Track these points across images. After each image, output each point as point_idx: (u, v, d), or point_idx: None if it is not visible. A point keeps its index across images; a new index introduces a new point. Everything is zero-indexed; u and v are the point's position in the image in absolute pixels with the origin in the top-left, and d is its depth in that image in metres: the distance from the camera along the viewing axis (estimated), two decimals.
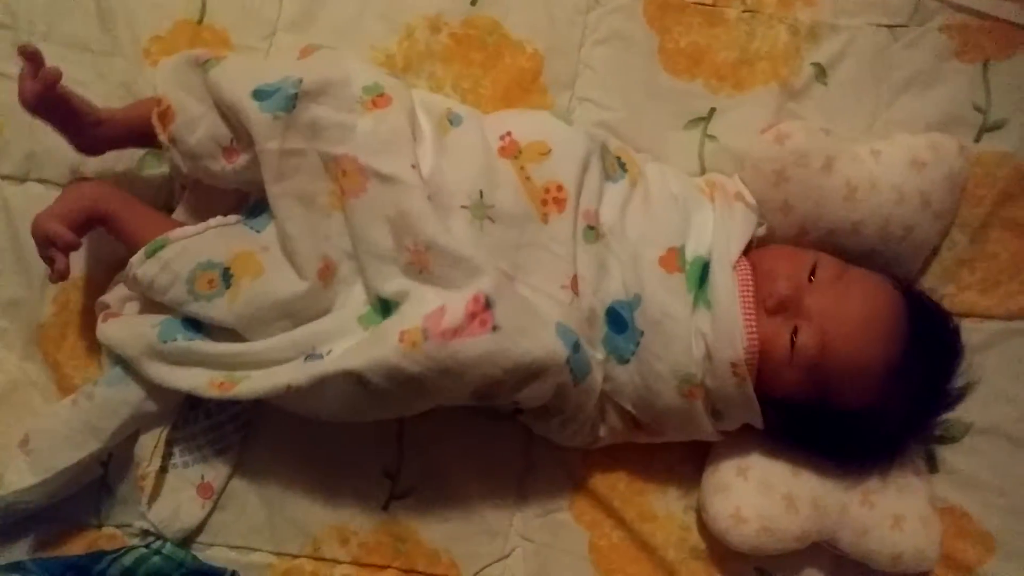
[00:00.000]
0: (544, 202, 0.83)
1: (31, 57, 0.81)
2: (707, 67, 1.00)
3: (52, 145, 0.94)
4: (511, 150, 0.85)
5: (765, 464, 0.88)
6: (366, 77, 0.83)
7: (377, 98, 0.82)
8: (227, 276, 0.82)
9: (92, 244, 0.92)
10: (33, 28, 0.97)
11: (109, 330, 0.85)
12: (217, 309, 0.81)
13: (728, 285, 0.83)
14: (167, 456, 0.87)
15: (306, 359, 0.80)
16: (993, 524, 0.91)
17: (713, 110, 0.99)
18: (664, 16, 1.01)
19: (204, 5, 0.98)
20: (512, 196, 0.82)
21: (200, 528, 0.89)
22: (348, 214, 0.80)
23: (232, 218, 0.88)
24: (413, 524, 0.90)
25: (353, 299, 0.82)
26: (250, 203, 0.89)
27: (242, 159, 0.84)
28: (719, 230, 0.86)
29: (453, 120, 0.86)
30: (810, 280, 0.83)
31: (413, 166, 0.80)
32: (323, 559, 0.90)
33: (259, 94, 0.80)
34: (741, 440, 0.88)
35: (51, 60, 0.92)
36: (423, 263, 0.78)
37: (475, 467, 0.91)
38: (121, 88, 0.96)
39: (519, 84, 0.99)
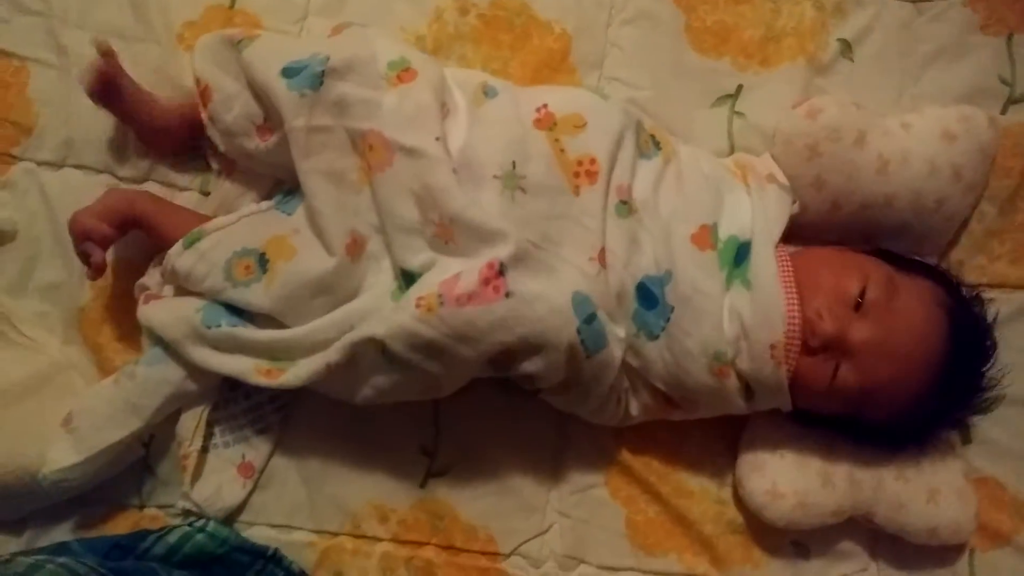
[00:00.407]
0: (576, 174, 0.83)
1: (107, 52, 0.85)
2: (734, 45, 1.01)
3: (89, 131, 0.95)
4: (546, 122, 0.85)
5: (800, 440, 0.88)
6: (392, 52, 0.84)
7: (403, 72, 0.83)
8: (263, 261, 0.83)
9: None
10: (67, 16, 0.98)
11: (151, 312, 0.86)
12: (255, 294, 0.83)
13: (771, 266, 0.83)
14: (208, 436, 0.88)
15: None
16: None
17: (740, 87, 1.00)
18: None
19: None
20: (545, 167, 0.83)
21: (241, 507, 0.90)
22: (375, 188, 0.81)
23: (265, 204, 0.89)
24: (451, 501, 0.91)
25: (384, 274, 0.83)
26: (283, 191, 0.90)
27: (274, 138, 0.85)
28: (758, 212, 0.86)
29: (488, 92, 0.87)
30: (858, 305, 0.82)
31: (437, 139, 0.80)
32: (363, 536, 0.91)
33: (288, 71, 0.82)
34: (775, 417, 0.89)
35: (85, 49, 0.95)
36: (448, 235, 0.80)
37: (511, 444, 0.92)
38: (155, 74, 0.96)
39: (548, 64, 0.99)
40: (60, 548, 0.83)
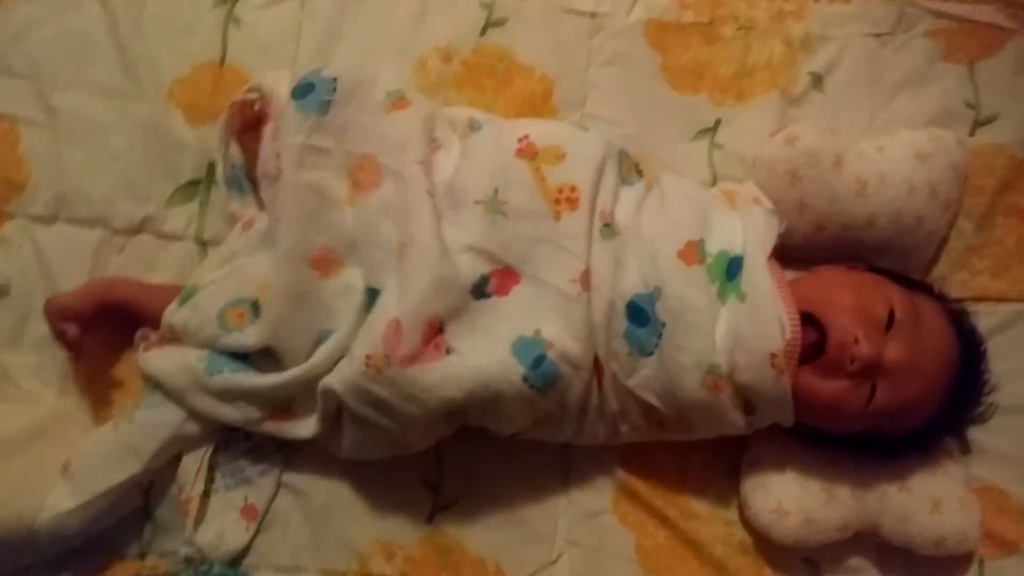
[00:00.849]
0: (557, 201, 0.85)
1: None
2: (709, 81, 1.05)
3: (80, 185, 0.96)
4: (528, 152, 0.88)
5: (802, 457, 0.89)
6: (391, 82, 0.90)
7: (398, 101, 0.88)
8: (256, 308, 0.85)
9: None
10: (56, 77, 0.99)
11: (153, 361, 0.86)
12: (249, 337, 0.84)
13: (764, 277, 0.85)
14: (210, 480, 0.87)
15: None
16: None
17: (719, 121, 1.03)
18: (664, 37, 1.06)
19: (225, 46, 1.02)
20: (526, 194, 0.85)
21: (245, 551, 0.88)
22: (360, 208, 0.85)
23: (255, 256, 0.89)
24: (458, 534, 0.90)
25: (354, 295, 0.85)
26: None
27: None
28: (748, 228, 0.88)
29: (474, 126, 0.91)
30: (889, 325, 0.83)
31: (421, 162, 0.84)
32: (371, 575, 0.89)
33: (297, 91, 0.86)
34: (776, 434, 0.89)
35: (75, 107, 0.99)
36: (403, 252, 0.82)
37: (515, 474, 0.92)
38: (146, 130, 0.98)
39: (531, 105, 1.02)
40: None
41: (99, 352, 0.92)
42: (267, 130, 0.90)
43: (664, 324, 0.83)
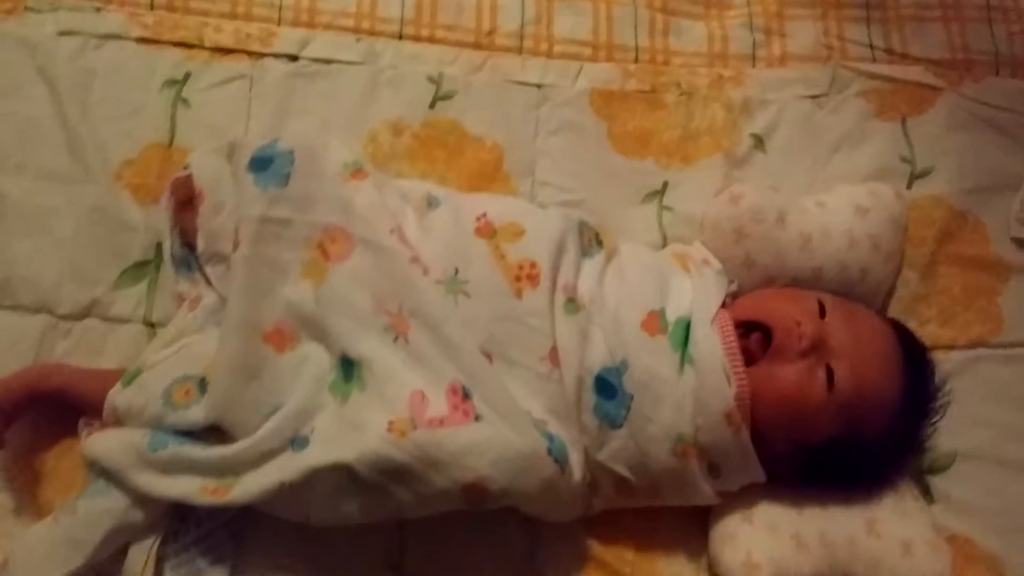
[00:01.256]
0: (518, 278, 0.85)
1: None
2: (655, 146, 1.07)
3: (25, 271, 0.94)
4: (486, 230, 0.88)
5: (768, 506, 0.88)
6: (347, 154, 0.90)
7: (356, 172, 0.88)
8: (203, 384, 0.82)
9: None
10: (5, 162, 0.98)
11: (95, 444, 0.83)
12: (195, 414, 0.81)
13: (709, 338, 0.86)
14: (158, 572, 0.83)
15: (293, 445, 0.79)
16: (997, 546, 0.92)
17: (666, 183, 1.06)
18: (609, 105, 1.09)
19: (173, 127, 1.02)
20: (486, 272, 0.85)
21: None
22: (331, 278, 0.83)
23: (204, 336, 0.88)
24: None
25: (313, 366, 0.82)
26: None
27: None
28: (698, 292, 0.90)
29: (431, 203, 0.91)
30: (822, 314, 0.86)
31: (392, 231, 0.84)
32: None
33: (255, 164, 0.86)
34: (743, 488, 0.88)
35: (23, 192, 0.97)
36: (402, 329, 0.81)
37: (481, 551, 0.89)
38: (94, 212, 0.97)
39: (482, 174, 1.04)
40: None
41: (31, 444, 0.88)
42: (203, 209, 0.89)
43: (632, 396, 0.84)
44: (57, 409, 0.88)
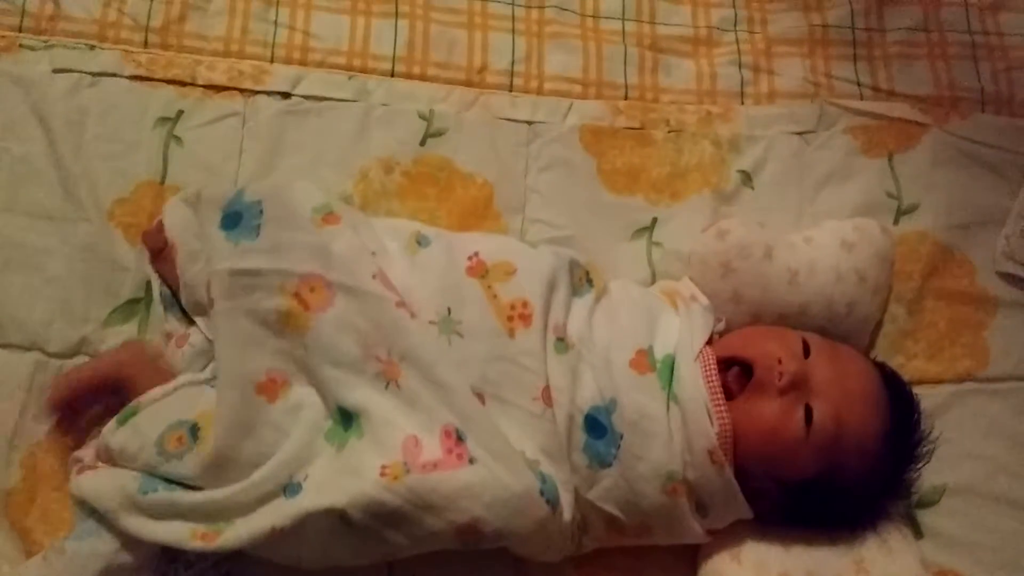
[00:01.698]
0: (511, 318, 0.85)
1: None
2: (644, 182, 1.08)
3: (15, 310, 0.94)
4: (478, 270, 0.88)
5: (756, 545, 0.88)
6: (315, 197, 0.88)
7: (327, 216, 0.87)
8: (194, 431, 0.82)
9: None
10: None
11: (84, 483, 0.82)
12: (187, 465, 0.80)
13: (692, 375, 0.86)
14: None
15: (285, 491, 0.79)
16: None
17: (655, 219, 1.07)
18: (598, 142, 1.10)
19: (165, 165, 1.02)
20: (479, 312, 0.85)
21: None
22: (314, 328, 0.82)
23: (201, 376, 0.88)
24: None
25: (308, 411, 0.82)
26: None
27: None
28: (684, 329, 0.90)
29: (422, 241, 0.91)
30: (806, 353, 0.87)
31: (374, 276, 0.83)
32: None
33: (226, 222, 0.86)
34: (731, 526, 0.89)
35: (13, 230, 0.98)
36: (393, 375, 0.80)
37: None
38: (86, 251, 0.97)
39: (473, 211, 1.04)
40: None
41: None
42: (179, 260, 0.90)
43: (622, 435, 0.84)
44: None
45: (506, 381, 0.83)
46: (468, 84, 1.12)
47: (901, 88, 1.16)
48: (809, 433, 0.83)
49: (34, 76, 1.04)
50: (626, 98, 1.14)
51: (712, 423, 0.84)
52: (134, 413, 0.84)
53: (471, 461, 0.77)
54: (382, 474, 0.75)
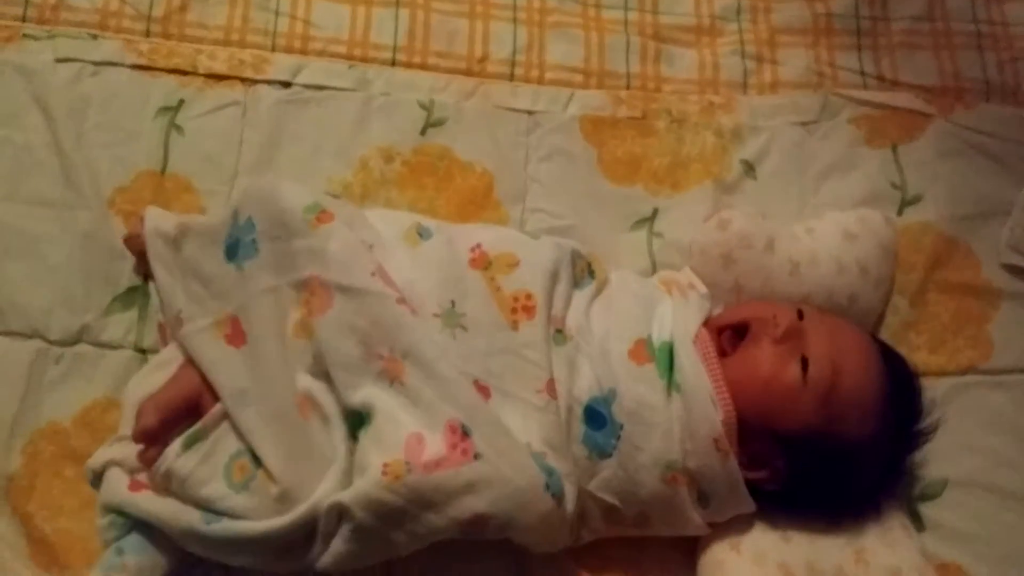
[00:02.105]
0: (514, 310, 0.85)
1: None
2: (645, 172, 1.08)
3: (16, 297, 0.95)
4: (481, 262, 0.88)
5: (756, 535, 0.88)
6: (304, 197, 0.85)
7: (320, 214, 0.84)
8: (256, 459, 0.79)
9: (58, 391, 0.93)
10: None
11: (143, 503, 0.80)
12: (254, 499, 0.78)
13: (693, 363, 0.86)
14: None
15: None
16: (988, 574, 0.91)
17: (656, 210, 1.06)
18: (599, 132, 1.09)
19: (166, 155, 1.03)
20: (482, 305, 0.85)
21: None
22: (316, 331, 0.80)
23: None
24: None
25: (335, 425, 0.80)
26: None
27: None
28: (678, 315, 0.90)
29: (423, 233, 0.90)
30: (800, 319, 0.87)
31: (373, 273, 0.82)
32: None
33: (229, 253, 0.85)
34: (730, 518, 0.88)
35: (15, 218, 0.98)
36: (396, 373, 0.79)
37: None
38: (85, 238, 0.97)
39: (472, 201, 1.04)
40: None
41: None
42: (156, 272, 0.90)
43: (622, 425, 0.84)
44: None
45: (509, 374, 0.83)
46: (469, 73, 1.12)
47: (905, 78, 1.15)
48: (806, 380, 0.83)
49: (36, 65, 1.05)
50: (628, 88, 1.14)
51: (716, 409, 0.84)
52: (200, 437, 0.80)
53: (476, 456, 0.76)
54: (383, 473, 0.74)
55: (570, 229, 1.03)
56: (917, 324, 1.01)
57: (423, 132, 1.07)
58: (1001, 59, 1.16)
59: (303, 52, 1.11)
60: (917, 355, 1.00)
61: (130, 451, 0.83)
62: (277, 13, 1.12)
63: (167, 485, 0.80)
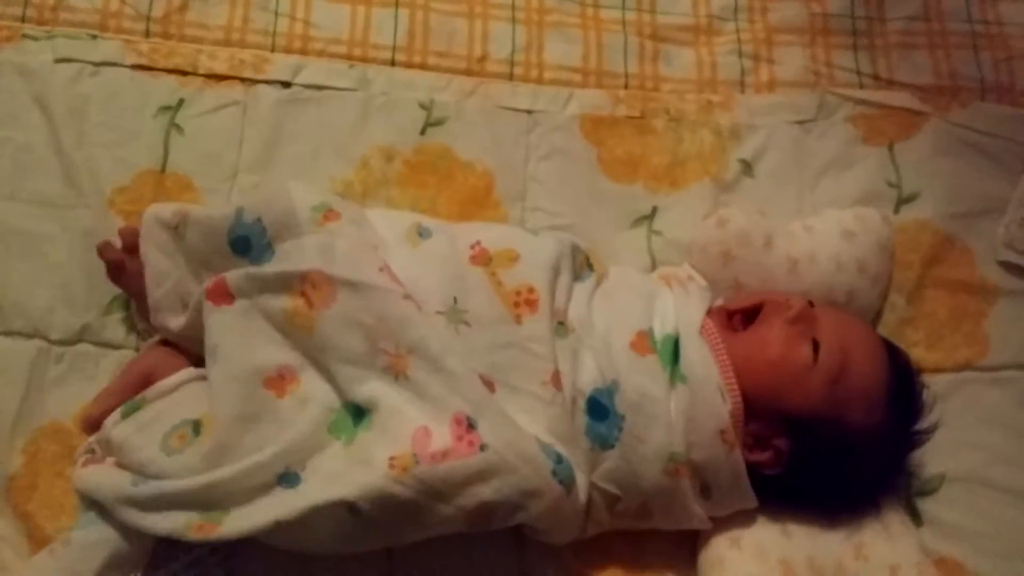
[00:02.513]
0: (516, 304, 0.86)
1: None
2: (644, 171, 1.09)
3: (17, 296, 0.95)
4: (481, 258, 0.88)
5: (756, 531, 0.88)
6: (312, 197, 0.86)
7: (328, 213, 0.85)
8: (196, 428, 0.81)
9: (59, 390, 0.93)
10: None
11: (85, 476, 0.83)
12: (187, 457, 0.80)
13: (700, 354, 0.86)
14: None
15: (280, 480, 0.79)
16: (986, 569, 0.91)
17: (655, 208, 1.07)
18: (598, 130, 1.10)
19: (166, 154, 1.03)
20: (485, 300, 0.86)
21: None
22: (319, 325, 0.81)
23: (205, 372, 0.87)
24: None
25: (313, 409, 0.81)
26: None
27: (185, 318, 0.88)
28: (680, 306, 0.91)
29: (423, 233, 0.91)
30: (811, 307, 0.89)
31: (380, 269, 0.83)
32: None
33: (236, 247, 0.85)
34: (731, 513, 0.89)
35: (16, 218, 0.99)
36: (401, 368, 0.80)
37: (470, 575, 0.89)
38: (86, 237, 0.97)
39: (473, 199, 1.05)
40: None
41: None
42: (146, 279, 0.89)
43: (624, 417, 0.84)
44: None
45: (515, 368, 0.83)
46: (468, 73, 1.12)
47: (901, 77, 1.16)
48: (816, 361, 0.84)
49: (36, 66, 1.05)
50: (626, 87, 1.14)
51: (724, 401, 0.84)
52: (139, 407, 0.84)
53: (483, 447, 0.77)
54: (391, 466, 0.75)
55: (570, 227, 1.03)
56: (914, 321, 1.02)
57: (423, 132, 1.07)
58: (996, 58, 1.17)
59: (303, 52, 1.11)
60: (914, 352, 1.00)
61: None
62: (277, 13, 1.12)
63: (107, 451, 0.84)
